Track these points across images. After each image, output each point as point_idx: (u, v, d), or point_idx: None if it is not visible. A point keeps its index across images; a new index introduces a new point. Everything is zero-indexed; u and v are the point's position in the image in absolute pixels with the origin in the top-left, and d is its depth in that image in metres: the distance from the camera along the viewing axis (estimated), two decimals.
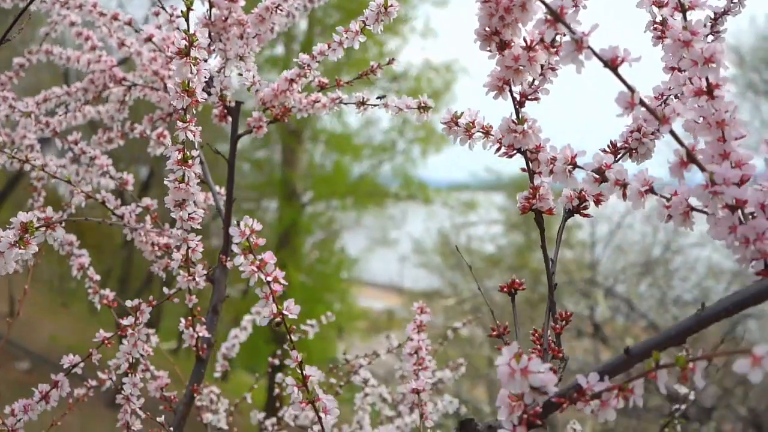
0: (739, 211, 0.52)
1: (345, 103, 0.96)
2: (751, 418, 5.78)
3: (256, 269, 0.61)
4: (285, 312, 0.62)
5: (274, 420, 1.46)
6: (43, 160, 1.11)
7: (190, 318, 0.95)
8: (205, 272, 0.89)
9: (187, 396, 0.97)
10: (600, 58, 0.50)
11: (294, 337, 0.63)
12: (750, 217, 0.51)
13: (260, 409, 1.74)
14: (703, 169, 0.51)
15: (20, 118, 1.10)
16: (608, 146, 0.68)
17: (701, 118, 0.54)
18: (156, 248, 1.00)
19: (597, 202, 0.67)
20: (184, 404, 0.97)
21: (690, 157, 0.51)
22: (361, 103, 0.93)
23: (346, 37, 0.87)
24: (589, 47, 0.50)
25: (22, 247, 0.66)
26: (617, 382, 0.50)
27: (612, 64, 0.50)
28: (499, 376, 0.50)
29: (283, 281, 0.62)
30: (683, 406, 1.04)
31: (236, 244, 0.60)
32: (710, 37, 0.71)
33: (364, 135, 12.33)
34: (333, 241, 11.74)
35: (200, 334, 0.96)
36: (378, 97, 0.94)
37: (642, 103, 0.50)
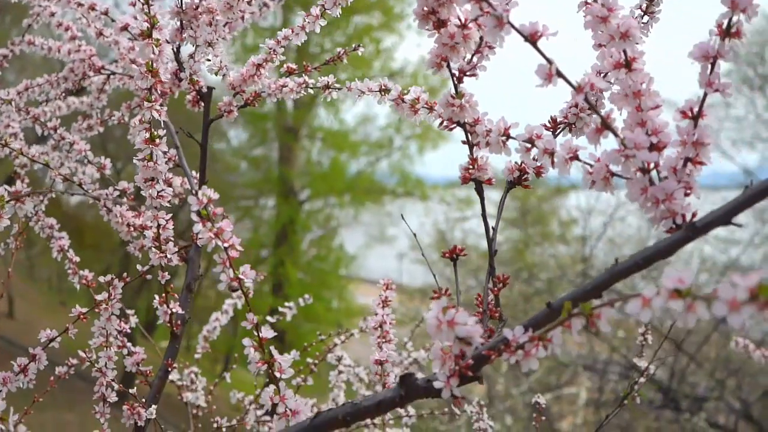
0: (654, 174, 0.56)
1: (312, 88, 1.00)
2: (743, 409, 5.83)
3: (213, 236, 0.65)
4: (241, 276, 0.66)
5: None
6: (24, 146, 1.15)
7: (164, 295, 0.99)
8: (176, 249, 0.93)
9: (162, 370, 1.01)
10: (520, 33, 0.54)
11: (244, 301, 0.67)
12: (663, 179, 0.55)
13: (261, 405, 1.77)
14: (616, 135, 0.55)
15: (1, 105, 1.14)
16: (548, 121, 0.72)
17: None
18: (131, 229, 1.04)
19: (537, 174, 0.71)
20: (159, 378, 1.01)
21: (605, 124, 0.55)
22: (326, 87, 0.97)
23: (308, 22, 0.92)
24: (509, 23, 0.54)
25: None
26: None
27: (532, 38, 0.54)
28: (428, 328, 0.54)
29: (239, 248, 0.66)
30: (642, 379, 1.08)
31: (194, 212, 0.64)
32: (646, 17, 0.75)
33: (360, 132, 12.37)
34: (331, 238, 11.78)
35: (174, 311, 1.00)
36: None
37: (559, 74, 0.54)
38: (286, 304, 1.44)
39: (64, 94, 1.21)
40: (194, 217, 0.65)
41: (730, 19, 0.54)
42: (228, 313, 1.49)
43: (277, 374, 0.67)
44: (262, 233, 11.28)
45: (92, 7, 1.11)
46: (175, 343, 1.02)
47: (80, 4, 1.12)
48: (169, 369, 1.02)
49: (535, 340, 0.53)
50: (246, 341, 0.68)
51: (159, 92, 0.75)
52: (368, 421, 1.19)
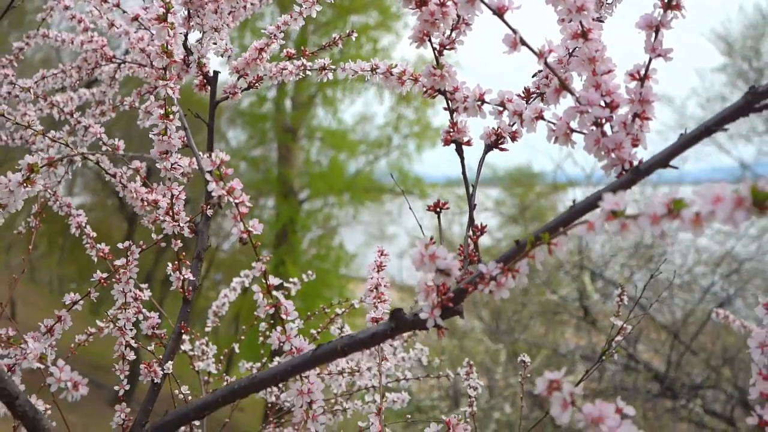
0: (607, 128, 0.65)
1: (309, 70, 1.08)
2: (739, 396, 5.92)
3: (226, 193, 0.74)
4: (250, 229, 0.75)
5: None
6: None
7: (176, 262, 1.07)
8: (188, 219, 1.02)
9: (176, 332, 1.10)
10: (489, 7, 0.63)
11: (253, 251, 0.76)
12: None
13: (261, 404, 1.83)
14: (573, 94, 0.63)
15: (20, 93, 1.22)
16: (522, 91, 0.81)
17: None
18: (145, 204, 1.12)
19: (513, 138, 0.79)
20: (173, 339, 1.10)
21: (562, 85, 0.64)
22: (323, 68, 1.05)
23: (305, 8, 1.00)
24: None
25: (28, 184, 0.79)
26: None
27: (499, 11, 0.63)
28: (412, 262, 0.62)
29: (248, 204, 0.74)
30: (619, 338, 1.17)
31: (208, 172, 0.73)
32: None
33: (359, 131, 12.45)
34: (331, 237, 11.85)
35: (186, 278, 1.08)
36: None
37: (522, 42, 0.63)
38: (291, 279, 1.53)
39: (77, 83, 1.29)
40: (208, 176, 0.74)
41: None
42: (236, 290, 1.57)
43: (283, 316, 0.76)
44: (262, 233, 11.36)
45: (104, 0, 1.20)
46: (186, 308, 1.11)
47: None
48: (182, 331, 1.10)
49: (505, 271, 0.62)
50: (255, 287, 0.76)
51: (174, 71, 0.84)
52: (368, 383, 1.28)
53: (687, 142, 0.58)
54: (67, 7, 1.29)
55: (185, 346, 1.39)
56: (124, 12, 1.18)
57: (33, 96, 1.24)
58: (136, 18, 1.17)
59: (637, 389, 6.06)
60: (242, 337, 1.60)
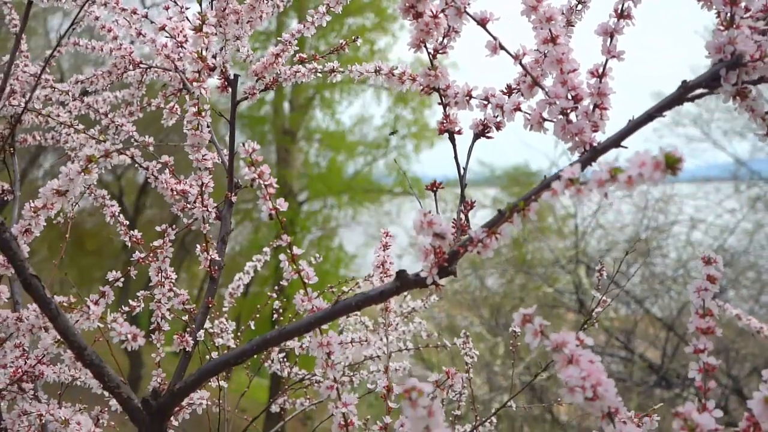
0: (573, 117, 0.79)
1: (320, 72, 1.22)
2: (733, 386, 6.07)
3: (257, 176, 0.88)
4: (278, 206, 0.89)
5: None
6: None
7: (204, 244, 1.21)
8: (215, 205, 1.16)
9: (204, 306, 1.24)
10: (474, 19, 0.77)
11: (280, 226, 0.90)
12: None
13: (263, 402, 1.96)
14: (543, 89, 0.78)
15: (59, 95, 1.36)
16: (506, 87, 0.95)
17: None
18: (174, 193, 1.26)
19: (497, 128, 0.93)
20: (202, 313, 1.24)
21: (534, 82, 0.78)
22: (332, 71, 1.20)
23: (316, 18, 1.14)
24: (466, 12, 0.76)
25: (86, 173, 0.93)
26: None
27: (482, 22, 0.77)
28: (413, 227, 0.76)
29: (275, 185, 0.88)
30: (598, 309, 1.30)
31: (242, 158, 0.87)
32: (579, 5, 0.98)
33: (357, 132, 12.59)
34: (330, 238, 11.98)
35: (213, 258, 1.22)
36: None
37: (501, 47, 0.77)
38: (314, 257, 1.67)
39: (108, 87, 1.44)
40: (243, 162, 0.88)
41: (623, 5, 0.77)
42: (249, 273, 1.71)
43: (306, 281, 0.90)
44: (261, 235, 11.48)
45: (134, 11, 1.34)
46: (213, 285, 1.25)
47: (123, 9, 1.35)
48: (209, 305, 1.24)
49: (489, 234, 0.76)
50: (282, 256, 0.90)
51: (206, 74, 0.98)
52: (376, 353, 1.42)
53: (634, 126, 0.72)
54: (97, 18, 1.43)
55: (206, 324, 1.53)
56: (152, 22, 1.32)
57: (71, 98, 1.38)
58: (162, 28, 1.31)
59: (633, 380, 6.21)
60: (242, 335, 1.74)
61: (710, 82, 0.70)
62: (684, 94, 0.71)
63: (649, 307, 6.76)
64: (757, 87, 0.72)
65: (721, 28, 0.70)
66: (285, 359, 1.79)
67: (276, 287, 1.72)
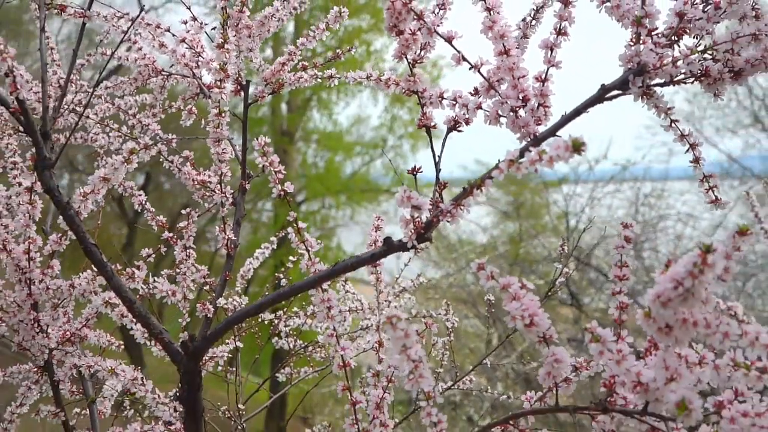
0: (522, 113, 1.00)
1: (320, 78, 1.43)
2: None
3: (268, 164, 1.08)
4: (286, 188, 1.10)
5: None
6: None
7: (222, 225, 1.42)
8: (232, 191, 1.37)
9: (222, 279, 1.44)
10: (441, 37, 0.98)
11: (288, 206, 1.10)
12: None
13: (264, 401, 2.13)
14: (496, 91, 0.98)
15: (92, 99, 1.57)
16: (473, 89, 1.15)
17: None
18: (195, 182, 1.47)
19: (467, 123, 1.14)
20: (220, 285, 1.44)
21: (490, 86, 0.98)
22: (330, 77, 1.40)
23: (318, 32, 1.35)
24: (435, 31, 0.97)
25: (128, 163, 1.13)
26: None
27: (449, 39, 0.98)
28: (396, 202, 0.97)
29: (283, 171, 1.09)
30: (562, 279, 1.51)
31: (256, 150, 1.07)
32: (534, 21, 1.18)
33: (354, 133, 12.79)
34: (329, 238, 12.17)
35: (229, 237, 1.43)
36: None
37: (464, 58, 0.97)
38: (291, 258, 1.88)
39: (135, 91, 1.64)
40: (256, 153, 1.08)
41: (560, 24, 0.98)
42: (258, 259, 1.92)
43: (309, 248, 1.11)
44: (260, 236, 11.68)
45: (158, 26, 1.55)
46: (230, 261, 1.46)
47: (149, 24, 1.55)
48: (227, 279, 1.45)
49: (456, 206, 0.96)
50: (289, 228, 1.11)
51: (228, 83, 1.19)
52: (372, 323, 1.63)
53: (564, 120, 0.93)
54: (124, 32, 1.63)
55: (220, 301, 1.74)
56: (173, 35, 1.53)
57: (104, 102, 1.58)
58: (183, 40, 1.52)
59: None
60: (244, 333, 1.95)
61: (622, 85, 0.90)
62: (603, 94, 0.92)
63: (639, 300, 6.97)
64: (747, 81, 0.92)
65: (631, 43, 0.91)
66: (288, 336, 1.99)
67: (282, 269, 1.92)
